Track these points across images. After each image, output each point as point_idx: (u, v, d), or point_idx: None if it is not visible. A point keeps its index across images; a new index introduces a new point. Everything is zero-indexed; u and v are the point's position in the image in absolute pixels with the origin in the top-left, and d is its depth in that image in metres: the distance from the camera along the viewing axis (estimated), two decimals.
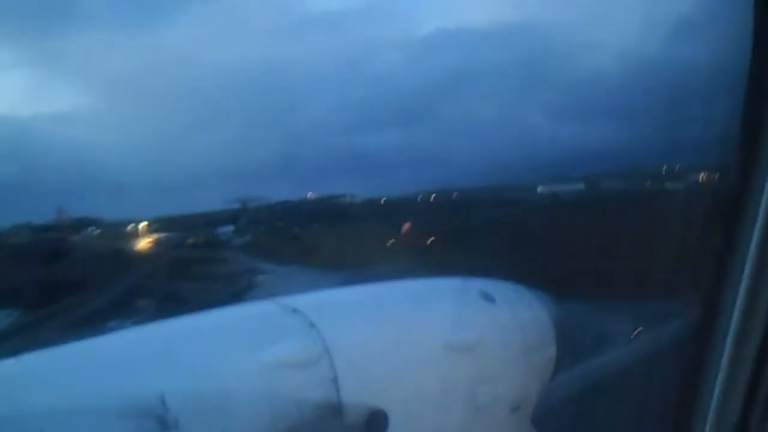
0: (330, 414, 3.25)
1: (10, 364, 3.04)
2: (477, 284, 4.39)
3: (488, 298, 4.20)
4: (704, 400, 2.14)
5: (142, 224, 26.78)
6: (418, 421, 3.62)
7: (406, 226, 21.63)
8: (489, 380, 3.94)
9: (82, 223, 26.39)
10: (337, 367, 3.30)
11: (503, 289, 4.39)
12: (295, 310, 3.53)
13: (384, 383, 3.52)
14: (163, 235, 27.20)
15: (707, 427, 2.12)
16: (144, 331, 3.56)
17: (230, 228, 28.21)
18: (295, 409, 3.17)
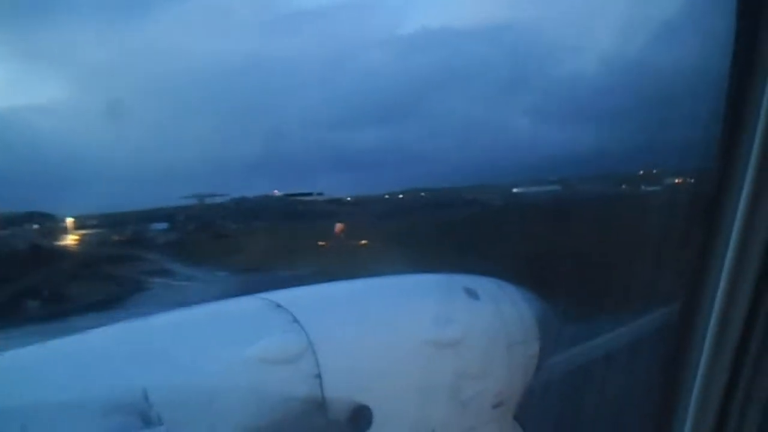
0: (314, 409, 3.25)
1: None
2: (461, 280, 4.41)
3: (472, 294, 4.21)
4: (684, 398, 2.16)
5: (68, 220, 26.22)
6: (402, 416, 3.63)
7: (339, 226, 21.55)
8: (472, 376, 3.96)
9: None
10: (321, 363, 3.31)
11: (487, 286, 4.41)
12: (278, 306, 3.53)
13: (368, 378, 3.53)
14: (84, 232, 26.67)
15: (687, 426, 2.15)
16: (127, 326, 3.54)
17: (161, 226, 27.67)
18: (279, 405, 3.17)
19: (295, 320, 3.41)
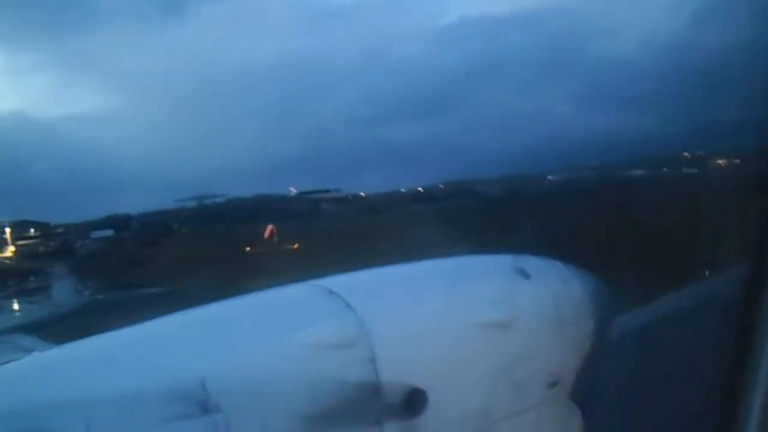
0: (369, 394, 3.26)
1: (54, 352, 3.11)
2: (511, 260, 4.36)
3: (523, 274, 4.17)
4: (751, 382, 2.10)
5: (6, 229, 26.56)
6: (457, 399, 3.62)
7: (269, 229, 21.10)
8: (526, 356, 3.93)
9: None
10: (375, 347, 3.31)
11: (538, 265, 4.35)
12: (330, 292, 3.54)
13: (422, 362, 3.53)
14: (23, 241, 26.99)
15: (754, 411, 2.09)
16: (183, 316, 3.60)
17: (105, 233, 27.73)
18: (334, 390, 3.19)
19: (348, 305, 3.41)
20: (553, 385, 4.07)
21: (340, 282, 3.76)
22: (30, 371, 2.99)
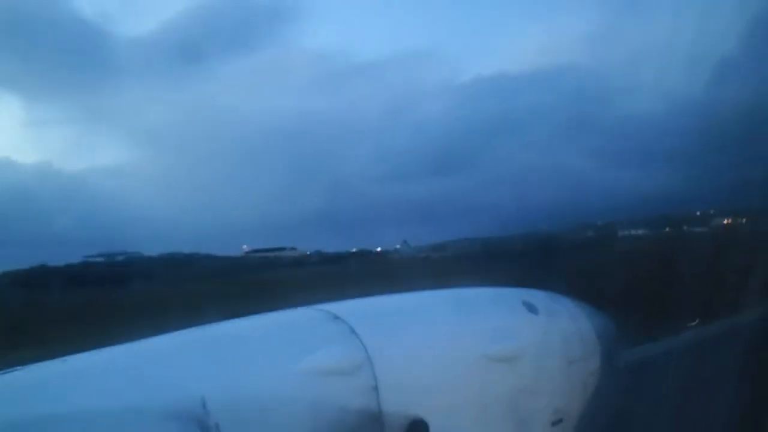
0: (371, 422, 3.22)
1: (55, 364, 3.07)
2: (519, 293, 4.33)
3: (531, 308, 4.14)
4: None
5: None
6: (459, 430, 3.57)
7: None
8: (531, 391, 3.88)
9: None
10: (378, 375, 3.27)
11: (546, 300, 4.32)
12: (336, 317, 3.51)
13: (425, 392, 3.48)
14: None
15: None
16: (186, 334, 3.56)
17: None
18: (336, 417, 3.14)
19: (353, 332, 3.38)
20: (557, 422, 4.02)
21: (346, 308, 3.74)
22: (23, 383, 2.95)
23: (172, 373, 3.09)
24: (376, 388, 3.24)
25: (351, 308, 3.78)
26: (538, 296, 4.32)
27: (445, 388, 3.57)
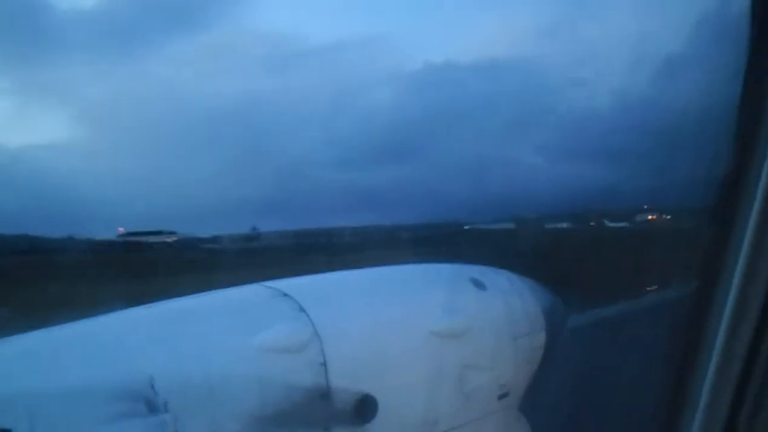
0: (319, 398, 3.25)
1: (5, 344, 3.02)
2: (467, 270, 4.38)
3: (478, 285, 4.19)
4: (693, 397, 2.14)
5: None
6: (407, 406, 3.62)
7: None
8: (477, 366, 3.94)
9: None
10: (326, 352, 3.30)
11: (494, 277, 4.38)
12: (285, 294, 3.51)
13: (373, 368, 3.52)
14: None
15: (695, 425, 2.13)
16: (134, 312, 3.53)
17: None
18: (285, 394, 3.16)
19: (302, 309, 3.40)
20: (503, 396, 4.09)
21: (295, 284, 3.74)
22: None
23: (120, 352, 3.07)
24: (324, 365, 3.27)
25: (299, 285, 3.79)
26: (486, 273, 4.38)
27: (393, 364, 3.62)
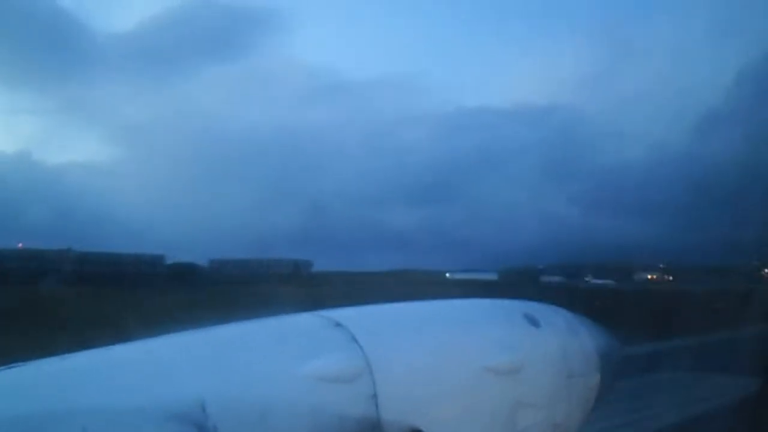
0: (369, 431, 3.21)
1: (54, 362, 3.06)
2: (522, 306, 4.33)
3: (532, 321, 4.13)
4: None
5: None
6: None
7: None
8: (529, 405, 3.87)
9: None
10: (378, 384, 3.26)
11: (548, 314, 4.32)
12: (337, 324, 3.50)
13: (424, 402, 3.47)
14: None
15: None
16: (187, 337, 3.56)
17: None
18: (334, 424, 3.13)
19: (354, 339, 3.38)
20: None
21: (348, 315, 3.73)
22: (21, 380, 2.93)
23: (173, 375, 3.08)
24: (375, 396, 3.23)
25: (353, 316, 3.77)
26: (539, 309, 4.32)
27: (445, 398, 3.56)
